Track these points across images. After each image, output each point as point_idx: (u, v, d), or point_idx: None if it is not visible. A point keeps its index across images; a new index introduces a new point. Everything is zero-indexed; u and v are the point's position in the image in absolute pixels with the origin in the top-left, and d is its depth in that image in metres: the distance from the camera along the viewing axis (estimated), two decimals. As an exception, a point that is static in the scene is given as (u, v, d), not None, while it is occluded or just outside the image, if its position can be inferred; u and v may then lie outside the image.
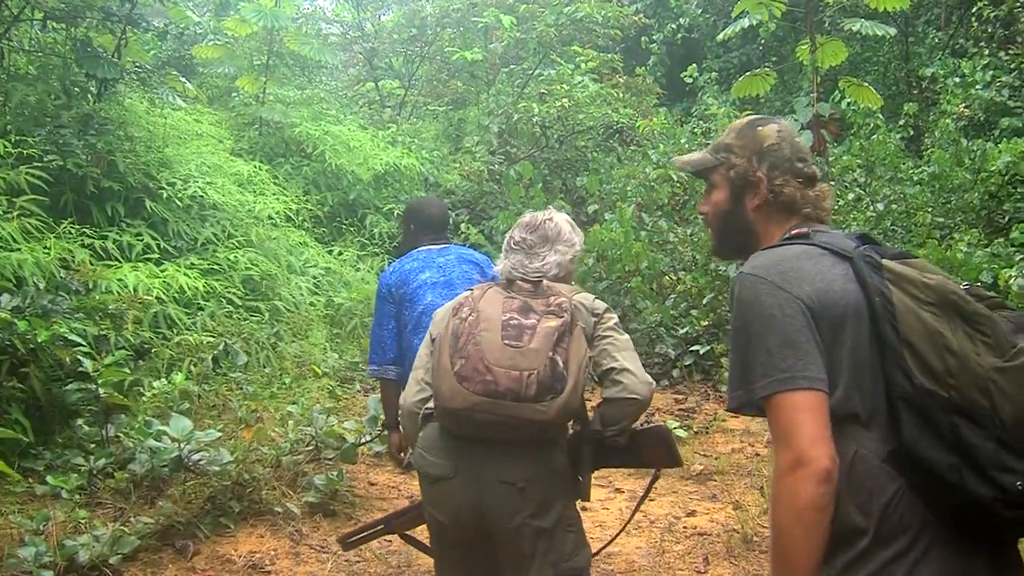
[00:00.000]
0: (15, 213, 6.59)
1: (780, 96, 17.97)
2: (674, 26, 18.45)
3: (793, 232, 2.14)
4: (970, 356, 1.85)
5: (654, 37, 18.72)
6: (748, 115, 2.45)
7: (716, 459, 6.27)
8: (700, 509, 5.45)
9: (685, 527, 5.18)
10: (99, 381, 5.48)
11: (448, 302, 3.09)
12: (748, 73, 10.67)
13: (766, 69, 10.60)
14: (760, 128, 2.24)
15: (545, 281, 2.97)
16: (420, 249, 4.25)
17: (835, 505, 1.86)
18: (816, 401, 1.87)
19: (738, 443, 6.68)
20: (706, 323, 8.62)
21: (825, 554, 1.87)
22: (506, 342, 2.71)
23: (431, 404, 2.84)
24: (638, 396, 2.83)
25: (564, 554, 2.84)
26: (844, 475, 1.88)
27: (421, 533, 3.36)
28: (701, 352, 8.32)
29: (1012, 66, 13.21)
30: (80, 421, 5.54)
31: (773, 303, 1.94)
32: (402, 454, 4.14)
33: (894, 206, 11.34)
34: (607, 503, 5.58)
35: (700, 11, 18.33)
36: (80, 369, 5.57)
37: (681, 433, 6.73)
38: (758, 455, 6.36)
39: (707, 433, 6.93)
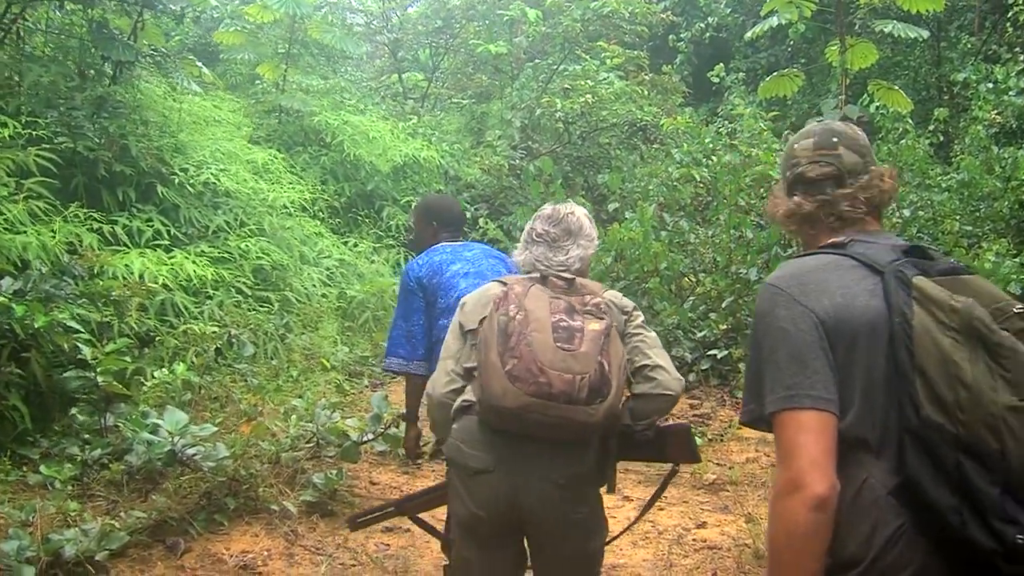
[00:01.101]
0: (22, 195, 6.48)
1: (808, 99, 17.75)
2: (702, 25, 18.25)
3: (831, 240, 2.06)
4: (984, 391, 1.73)
5: (682, 35, 18.53)
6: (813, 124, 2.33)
7: (730, 468, 6.09)
8: (711, 521, 5.26)
9: (694, 540, 4.99)
10: (98, 369, 5.36)
11: (476, 290, 3.12)
12: (776, 73, 10.47)
13: (794, 70, 10.40)
14: (797, 143, 2.19)
15: (577, 279, 2.97)
16: (443, 244, 4.14)
17: (836, 531, 1.81)
18: (821, 422, 1.81)
19: (753, 452, 6.49)
20: (725, 327, 8.43)
21: None
22: (558, 345, 2.71)
23: (467, 397, 2.87)
24: (672, 392, 2.91)
25: (591, 536, 2.94)
26: (850, 501, 1.82)
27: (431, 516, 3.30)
28: (719, 356, 8.13)
29: (1047, 73, 12.96)
30: (75, 410, 5.41)
31: (787, 316, 1.89)
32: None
33: (921, 213, 11.13)
34: (615, 511, 5.38)
35: (729, 10, 18.12)
36: (80, 356, 5.46)
37: (696, 441, 6.55)
38: (773, 466, 6.15)
39: (722, 441, 6.74)
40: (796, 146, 2.18)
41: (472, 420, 2.84)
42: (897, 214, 10.93)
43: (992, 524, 1.69)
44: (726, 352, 8.10)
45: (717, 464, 6.25)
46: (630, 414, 2.91)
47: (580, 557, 2.94)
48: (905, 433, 1.77)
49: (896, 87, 10.00)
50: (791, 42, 16.94)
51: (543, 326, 2.72)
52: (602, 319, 2.79)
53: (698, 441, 6.42)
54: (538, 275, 2.98)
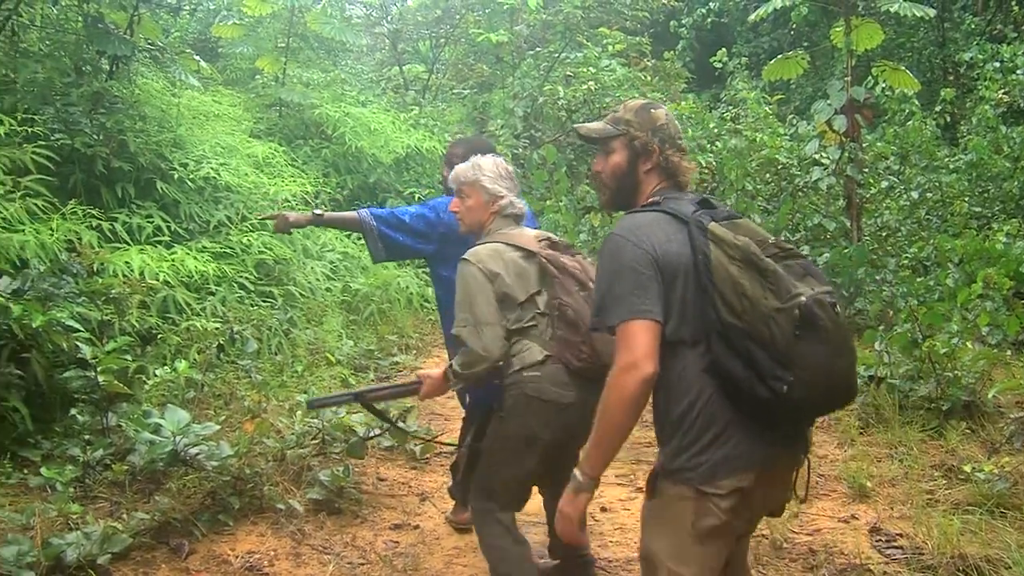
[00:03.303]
0: (19, 193, 6.38)
1: (811, 82, 17.65)
2: (704, 10, 18.16)
3: (651, 198, 2.83)
4: (759, 300, 2.51)
5: (683, 21, 18.44)
6: (638, 99, 3.14)
7: (743, 458, 5.99)
8: (726, 512, 5.17)
9: (710, 531, 4.89)
10: (99, 368, 5.27)
11: (492, 255, 3.65)
12: (779, 57, 10.36)
13: (799, 52, 10.28)
14: (653, 111, 2.92)
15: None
16: None
17: (669, 403, 2.64)
18: (652, 328, 2.57)
19: (766, 441, 6.39)
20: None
21: (662, 438, 2.70)
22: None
23: (531, 350, 3.55)
24: None
25: None
26: (676, 379, 2.62)
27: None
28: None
29: (1055, 51, 12.83)
30: (76, 410, 5.32)
31: (632, 257, 2.61)
32: None
33: (929, 195, 11.02)
34: (628, 503, 5.31)
35: (731, -5, 18.01)
36: (80, 356, 5.37)
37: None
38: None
39: (734, 429, 6.64)
40: (655, 112, 2.92)
41: (559, 367, 3.51)
42: (905, 196, 10.82)
43: (768, 382, 2.47)
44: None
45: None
46: None
47: None
48: (711, 331, 2.55)
49: (902, 68, 9.89)
50: (793, 25, 16.82)
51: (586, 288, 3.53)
52: None
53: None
54: (546, 239, 3.73)
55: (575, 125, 3.35)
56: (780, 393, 2.45)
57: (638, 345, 2.53)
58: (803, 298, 2.50)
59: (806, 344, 2.48)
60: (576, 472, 2.72)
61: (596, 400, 3.05)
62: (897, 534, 4.68)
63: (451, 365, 3.70)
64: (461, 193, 3.90)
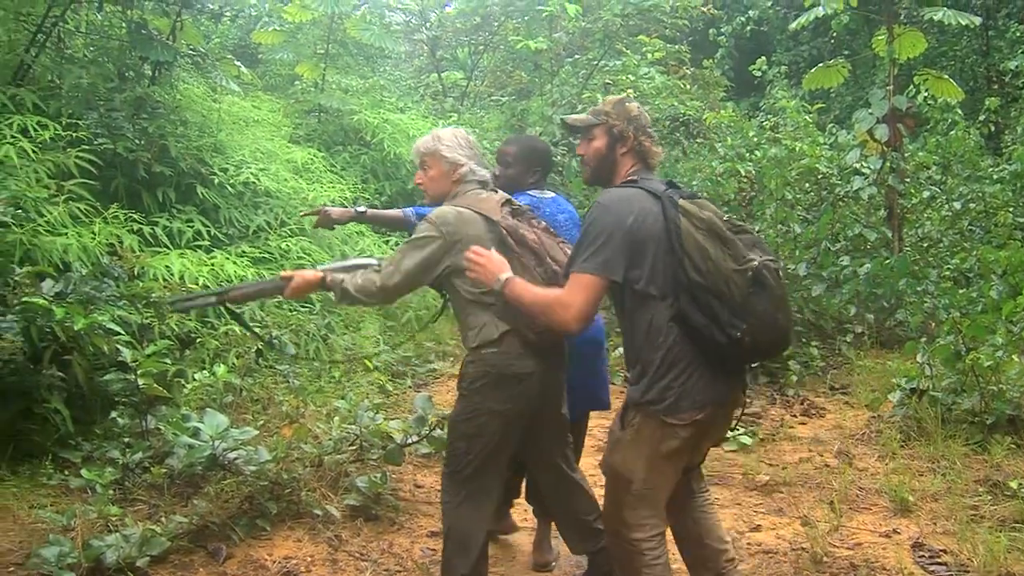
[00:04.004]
0: (63, 197, 6.43)
1: (851, 91, 17.51)
2: (743, 18, 18.05)
3: (628, 177, 3.39)
4: (721, 262, 3.08)
5: (722, 29, 18.32)
6: (614, 96, 3.84)
7: (783, 469, 5.91)
8: (766, 524, 5.10)
9: (749, 543, 4.82)
10: (139, 371, 5.30)
11: (456, 224, 3.69)
12: (820, 65, 10.29)
13: (840, 61, 10.20)
14: (628, 104, 3.49)
15: None
16: (540, 192, 4.49)
17: (640, 346, 3.22)
18: (598, 283, 3.15)
19: (806, 452, 6.31)
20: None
21: (632, 376, 3.28)
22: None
23: (504, 326, 3.63)
24: None
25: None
26: (647, 328, 3.18)
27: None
28: (768, 354, 7.93)
29: (1101, 61, 12.65)
30: (116, 413, 5.35)
31: (609, 223, 3.16)
32: None
33: (972, 205, 10.89)
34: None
35: (770, 3, 17.89)
36: (120, 359, 5.40)
37: (746, 440, 6.39)
38: (827, 466, 5.98)
39: (773, 441, 6.56)
40: (629, 104, 3.49)
41: (515, 340, 3.63)
42: (947, 207, 10.70)
43: (725, 330, 3.05)
44: (775, 349, 7.90)
45: (769, 464, 6.08)
46: None
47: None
48: (679, 287, 3.10)
49: (946, 76, 9.79)
50: (834, 34, 16.71)
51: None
52: None
53: (748, 441, 6.34)
54: (507, 204, 3.82)
55: (562, 117, 3.81)
56: (734, 339, 3.05)
57: (581, 301, 3.15)
58: (755, 262, 3.11)
59: (756, 299, 3.08)
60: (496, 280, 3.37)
61: (552, 369, 3.75)
62: (941, 550, 4.60)
63: (343, 280, 3.79)
64: (423, 165, 3.95)
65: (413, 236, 3.73)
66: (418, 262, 3.66)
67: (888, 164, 9.14)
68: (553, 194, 4.53)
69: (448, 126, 4.19)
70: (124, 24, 8.15)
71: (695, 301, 3.06)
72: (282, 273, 4.00)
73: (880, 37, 9.60)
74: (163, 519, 4.48)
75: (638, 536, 3.27)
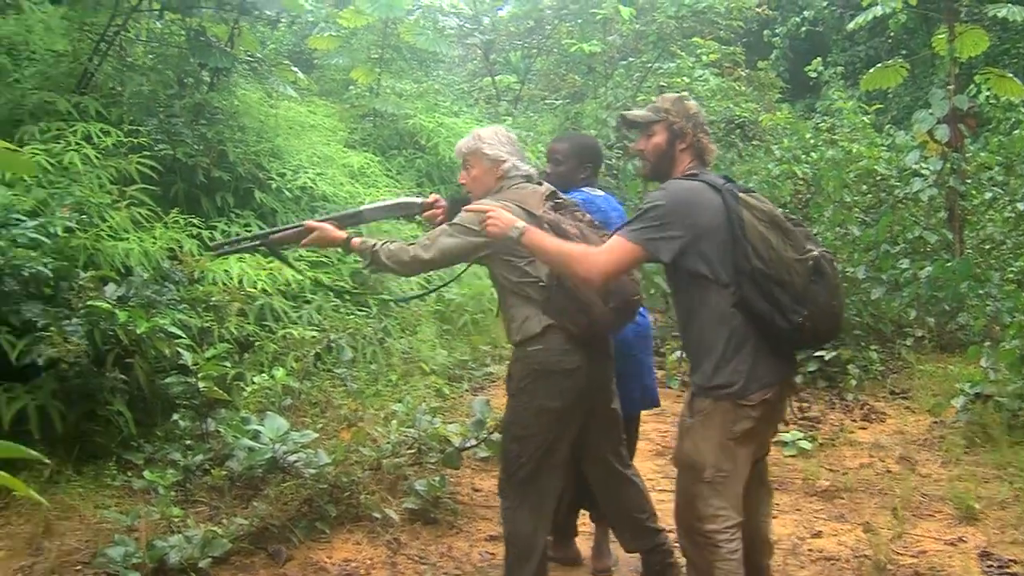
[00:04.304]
0: (124, 202, 6.52)
1: (909, 91, 17.26)
2: (798, 19, 17.84)
3: (688, 171, 3.46)
4: (782, 251, 3.23)
5: (777, 30, 18.16)
6: (675, 94, 3.84)
7: (844, 475, 5.84)
8: (827, 530, 5.03)
9: (810, 550, 4.76)
10: (199, 375, 5.36)
11: None
12: (879, 65, 10.16)
13: (899, 61, 10.06)
14: (686, 102, 3.60)
15: None
16: (593, 190, 4.47)
17: (704, 331, 3.33)
18: (635, 253, 3.30)
19: (867, 457, 6.22)
20: (832, 327, 8.13)
21: (696, 362, 3.39)
22: None
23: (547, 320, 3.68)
24: None
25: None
26: (711, 313, 3.29)
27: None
28: (826, 358, 7.82)
29: None
30: (177, 416, 5.41)
31: (669, 207, 3.29)
32: None
33: (1037, 206, 10.66)
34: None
35: (825, 3, 17.68)
36: (181, 362, 5.46)
37: (805, 445, 6.32)
38: (889, 472, 5.90)
39: (833, 446, 6.47)
40: (688, 103, 3.60)
41: (559, 335, 3.67)
42: (1010, 208, 10.50)
43: (787, 316, 3.19)
44: (834, 353, 7.80)
45: (829, 470, 6.00)
46: None
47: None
48: (742, 275, 3.20)
49: (1009, 74, 9.61)
50: (891, 33, 16.47)
51: None
52: None
53: (808, 446, 6.26)
54: (552, 197, 3.83)
55: (622, 112, 3.91)
56: (796, 324, 3.19)
57: (611, 260, 3.31)
58: (815, 252, 3.28)
59: (816, 288, 3.22)
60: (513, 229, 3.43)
61: (598, 363, 3.77)
62: (1010, 560, 4.52)
63: (375, 245, 3.87)
64: (466, 164, 3.99)
65: (455, 221, 3.78)
66: (456, 244, 3.74)
67: (949, 165, 8.99)
68: (604, 192, 4.53)
69: (491, 126, 4.20)
70: (183, 31, 8.25)
71: (758, 288, 3.19)
72: (307, 222, 4.07)
73: (940, 36, 9.45)
74: (224, 521, 4.53)
75: (712, 528, 3.29)
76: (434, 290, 6.98)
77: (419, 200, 4.27)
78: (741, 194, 3.33)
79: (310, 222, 4.06)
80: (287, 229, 4.18)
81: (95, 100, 7.27)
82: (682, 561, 3.73)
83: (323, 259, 7.74)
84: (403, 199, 4.41)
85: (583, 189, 4.37)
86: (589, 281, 3.38)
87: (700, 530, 3.32)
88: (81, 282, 5.34)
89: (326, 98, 12.42)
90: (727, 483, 3.30)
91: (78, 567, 4.18)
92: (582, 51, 14.16)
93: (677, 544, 3.71)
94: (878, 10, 9.65)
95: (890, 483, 5.66)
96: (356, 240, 3.93)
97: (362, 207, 4.30)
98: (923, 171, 9.31)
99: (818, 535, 4.97)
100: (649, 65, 14.39)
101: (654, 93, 13.23)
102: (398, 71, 12.66)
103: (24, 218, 5.44)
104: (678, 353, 8.15)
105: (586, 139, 4.91)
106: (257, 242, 4.33)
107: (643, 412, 4.69)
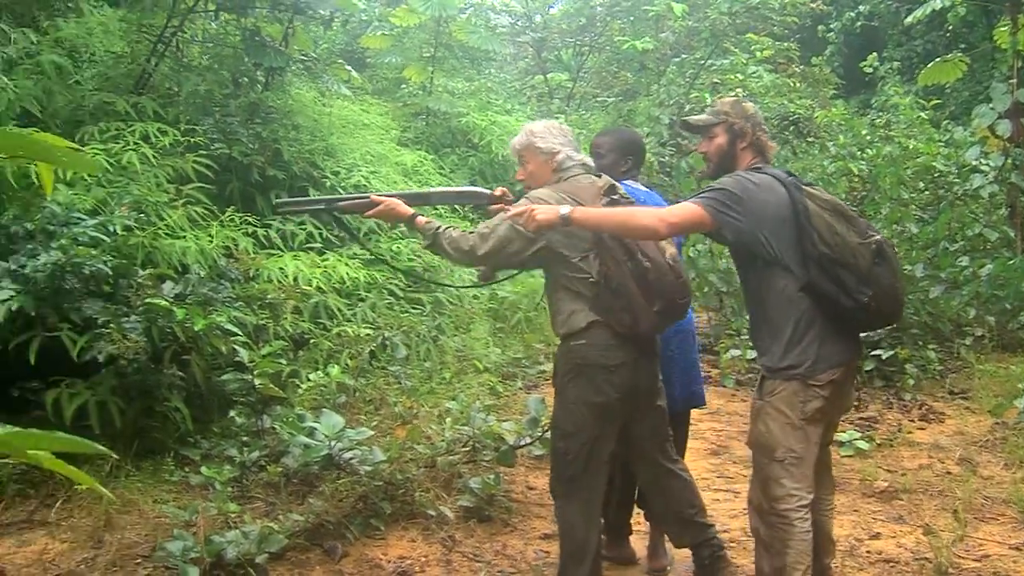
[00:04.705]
0: (181, 201, 6.59)
1: (967, 86, 16.97)
2: (853, 14, 17.64)
3: (752, 166, 3.64)
4: (846, 236, 3.41)
5: (832, 25, 17.96)
6: (729, 96, 4.55)
7: (902, 475, 5.75)
8: (885, 532, 4.95)
9: (868, 552, 4.68)
10: (255, 372, 5.40)
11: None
12: (937, 60, 10.02)
13: (958, 55, 9.91)
14: (744, 104, 3.78)
15: None
16: (631, 182, 4.44)
17: (773, 314, 3.51)
18: (702, 217, 3.46)
19: (926, 458, 6.12)
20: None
21: (763, 345, 3.58)
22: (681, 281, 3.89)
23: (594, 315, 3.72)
24: None
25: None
26: (778, 295, 3.47)
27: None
28: (884, 357, 7.72)
29: None
30: (233, 412, 5.45)
31: (739, 192, 3.46)
32: None
33: (1103, 202, 10.44)
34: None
35: (881, -2, 17.46)
36: (237, 359, 5.51)
37: (863, 445, 6.23)
38: (949, 473, 5.80)
39: (891, 446, 6.37)
40: (746, 104, 3.79)
41: (605, 331, 3.71)
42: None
43: (853, 295, 3.37)
44: (891, 352, 7.69)
45: (887, 471, 5.91)
46: None
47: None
48: (809, 259, 3.38)
49: (1073, 68, 9.43)
50: (949, 27, 16.19)
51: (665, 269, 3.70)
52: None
53: (865, 446, 6.18)
54: (608, 191, 3.82)
55: (683, 118, 4.19)
56: (862, 304, 3.36)
57: (676, 217, 3.48)
58: (877, 237, 3.47)
59: (880, 269, 3.41)
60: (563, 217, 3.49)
61: (643, 360, 3.81)
62: (1077, 563, 4.42)
63: (440, 227, 3.92)
64: (521, 160, 4.04)
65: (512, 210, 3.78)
66: (514, 235, 3.75)
67: (1010, 160, 8.84)
68: (647, 188, 4.54)
69: (543, 120, 4.22)
70: (238, 32, 8.33)
71: (824, 272, 3.37)
72: (373, 195, 4.13)
73: (1003, 28, 9.30)
74: (280, 517, 4.55)
75: (786, 507, 3.46)
76: (493, 282, 6.98)
77: (487, 191, 4.31)
78: (805, 187, 3.53)
79: (377, 196, 4.11)
80: (354, 198, 4.23)
81: (153, 100, 7.36)
82: (732, 556, 3.93)
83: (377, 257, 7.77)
84: (472, 188, 4.46)
85: (625, 182, 4.34)
86: (653, 229, 3.47)
87: (775, 510, 3.48)
88: (140, 280, 5.41)
89: (379, 97, 12.48)
90: (799, 463, 3.47)
91: (138, 560, 4.23)
92: (634, 48, 14.11)
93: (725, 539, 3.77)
94: (937, 3, 9.53)
95: (950, 485, 5.57)
96: (421, 219, 3.98)
97: (431, 189, 4.36)
98: (983, 167, 9.16)
99: (876, 536, 4.89)
100: (702, 62, 14.30)
101: (707, 90, 13.19)
102: (450, 69, 12.67)
103: (85, 217, 5.52)
104: (733, 352, 8.08)
105: (628, 133, 4.97)
106: (322, 206, 4.38)
107: (696, 411, 4.67)
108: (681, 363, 4.39)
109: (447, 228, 3.91)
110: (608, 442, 3.84)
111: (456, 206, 9.41)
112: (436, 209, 8.22)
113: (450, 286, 8.04)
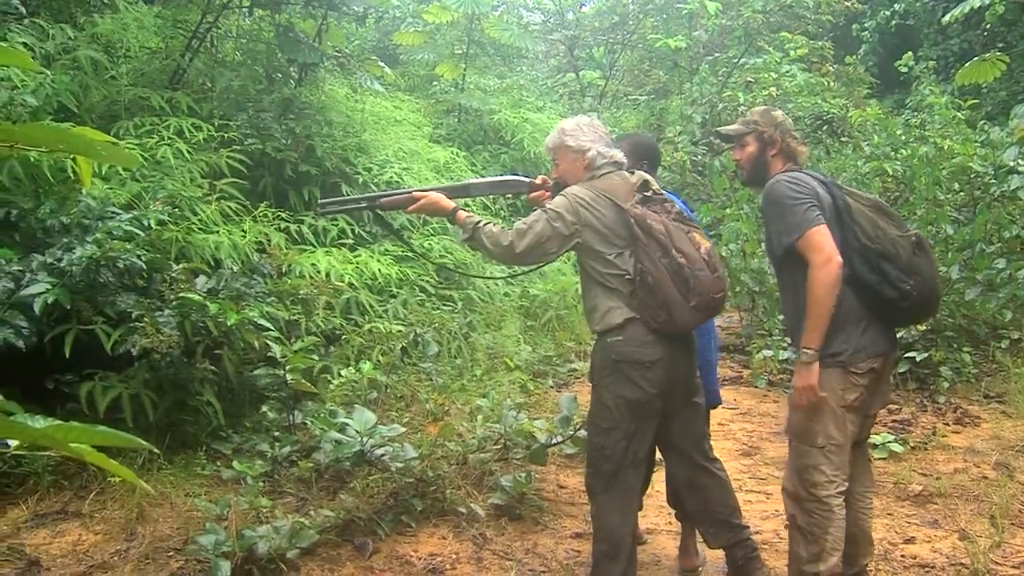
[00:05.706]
0: (215, 196, 6.62)
1: (1005, 86, 16.78)
2: (888, 12, 17.46)
3: (790, 169, 3.79)
4: (887, 230, 3.59)
5: (866, 24, 17.80)
6: (763, 106, 4.49)
7: (936, 479, 5.68)
8: (920, 536, 4.89)
9: (903, 556, 4.63)
10: (287, 367, 5.40)
11: (590, 207, 3.83)
12: (975, 59, 9.90)
13: (997, 54, 9.79)
14: (773, 112, 3.93)
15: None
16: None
17: None
18: (826, 230, 3.52)
19: (961, 463, 6.04)
20: (924, 327, 7.93)
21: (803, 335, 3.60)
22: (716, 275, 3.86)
23: (630, 312, 3.74)
24: None
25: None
26: None
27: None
28: (917, 359, 7.63)
29: None
30: (265, 407, 5.47)
31: (791, 191, 3.61)
32: None
33: None
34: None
35: (917, -3, 17.29)
36: (269, 354, 5.52)
37: (897, 448, 6.16)
38: (985, 478, 5.72)
39: (925, 449, 6.29)
40: (775, 112, 3.94)
41: (640, 328, 3.73)
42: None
43: (895, 284, 3.53)
44: (925, 355, 7.61)
45: (922, 474, 5.84)
46: None
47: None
48: (851, 252, 3.53)
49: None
50: (987, 26, 16.00)
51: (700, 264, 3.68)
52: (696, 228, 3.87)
53: (899, 449, 6.11)
54: (642, 188, 3.86)
55: (716, 128, 4.38)
56: (904, 292, 3.53)
57: (823, 245, 3.49)
58: (916, 231, 3.68)
59: (919, 260, 3.59)
60: (802, 352, 3.54)
61: (680, 356, 3.82)
62: (1116, 570, 4.35)
63: (480, 222, 3.94)
64: (554, 160, 4.06)
65: (549, 206, 3.83)
66: (550, 232, 3.78)
67: (1049, 162, 8.72)
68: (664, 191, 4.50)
69: (575, 117, 4.21)
70: (272, 27, 8.35)
71: (867, 263, 3.55)
72: (414, 191, 4.17)
73: (1041, 29, 9.18)
74: (311, 512, 4.55)
75: (826, 493, 3.60)
76: (520, 273, 7.03)
77: (527, 179, 4.32)
78: (843, 186, 3.76)
79: (419, 191, 4.14)
80: (396, 193, 4.25)
81: (187, 96, 7.39)
82: (764, 558, 3.93)
83: (407, 255, 7.77)
84: (511, 176, 4.47)
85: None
86: (835, 273, 3.49)
87: (814, 496, 3.61)
88: (173, 274, 5.44)
89: (411, 93, 12.50)
90: (839, 451, 3.61)
91: (170, 553, 4.25)
92: (667, 46, 14.05)
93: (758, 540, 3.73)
94: (975, 1, 9.42)
95: (986, 489, 5.49)
96: (462, 213, 4.00)
97: (470, 181, 4.37)
98: (1021, 168, 9.03)
99: (911, 541, 4.83)
100: (735, 60, 14.24)
101: (740, 89, 13.10)
102: (482, 67, 12.68)
103: (119, 211, 5.55)
104: (765, 352, 8.02)
105: (642, 137, 5.08)
106: (364, 204, 4.39)
107: (728, 412, 4.65)
108: (704, 361, 4.36)
109: (486, 224, 3.92)
110: (645, 439, 3.85)
111: (488, 203, 9.41)
112: (469, 206, 8.21)
113: (485, 278, 8.05)
